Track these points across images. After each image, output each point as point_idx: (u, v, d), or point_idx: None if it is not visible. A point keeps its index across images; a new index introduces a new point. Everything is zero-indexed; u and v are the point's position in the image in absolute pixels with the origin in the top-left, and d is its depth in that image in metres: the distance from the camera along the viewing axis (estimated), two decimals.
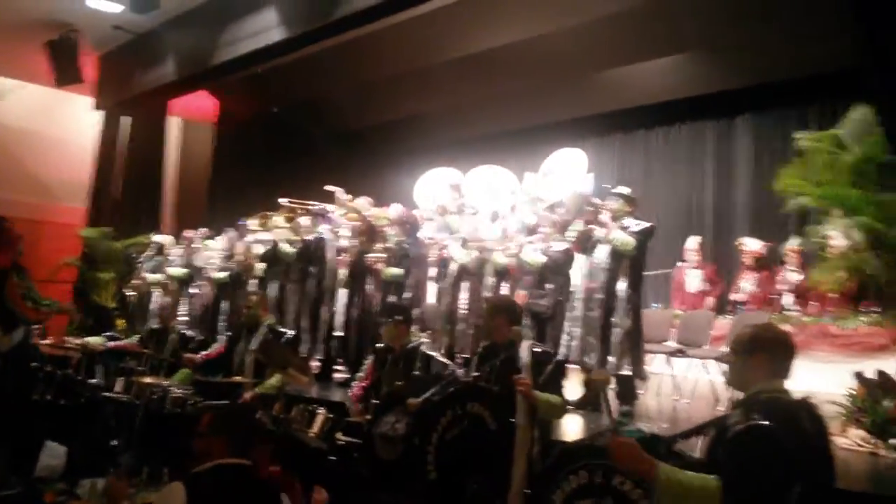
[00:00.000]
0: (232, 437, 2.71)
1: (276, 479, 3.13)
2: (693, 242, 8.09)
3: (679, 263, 8.35)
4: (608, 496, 2.57)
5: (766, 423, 2.14)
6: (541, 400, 3.50)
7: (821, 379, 5.98)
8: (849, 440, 4.27)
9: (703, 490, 2.16)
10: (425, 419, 3.28)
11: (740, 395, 2.45)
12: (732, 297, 7.77)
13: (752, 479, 2.10)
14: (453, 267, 6.36)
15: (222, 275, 7.89)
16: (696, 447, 2.73)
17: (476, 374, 3.85)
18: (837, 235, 5.75)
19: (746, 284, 7.71)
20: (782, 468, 2.10)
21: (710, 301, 7.75)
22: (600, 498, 2.59)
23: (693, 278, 7.82)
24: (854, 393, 4.52)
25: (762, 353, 2.34)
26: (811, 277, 6.07)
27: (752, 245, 7.81)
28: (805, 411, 2.27)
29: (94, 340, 5.88)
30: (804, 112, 9.03)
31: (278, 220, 7.46)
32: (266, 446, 3.25)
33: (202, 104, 12.32)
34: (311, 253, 6.92)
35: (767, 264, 7.84)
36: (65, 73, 10.46)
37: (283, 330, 5.47)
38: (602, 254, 5.26)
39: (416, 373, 4.39)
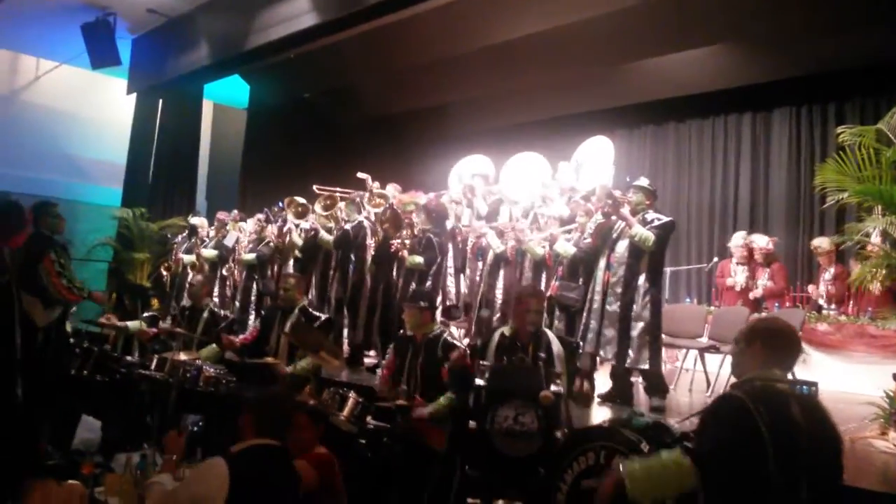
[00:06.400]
0: (258, 418, 2.75)
1: (322, 459, 3.16)
2: (739, 238, 7.85)
3: (715, 258, 8.18)
4: None
5: (738, 394, 2.18)
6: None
7: (858, 379, 5.91)
8: (888, 443, 4.17)
9: (678, 466, 2.19)
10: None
11: None
12: (751, 294, 7.58)
13: (718, 444, 2.14)
14: (491, 255, 6.31)
15: (250, 256, 7.97)
16: None
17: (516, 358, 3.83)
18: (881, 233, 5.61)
19: (761, 280, 7.57)
20: (749, 437, 2.10)
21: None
22: (602, 477, 2.70)
23: (739, 275, 7.60)
24: (892, 394, 4.41)
25: (758, 341, 2.37)
26: (852, 276, 5.94)
27: (759, 241, 7.65)
28: (799, 403, 2.25)
29: (133, 324, 5.92)
30: (842, 106, 8.88)
31: (317, 207, 7.48)
32: (311, 429, 3.28)
33: (234, 89, 12.38)
34: (352, 241, 6.92)
35: (776, 259, 7.69)
36: (101, 56, 10.56)
37: (316, 313, 5.46)
38: (621, 248, 5.21)
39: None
